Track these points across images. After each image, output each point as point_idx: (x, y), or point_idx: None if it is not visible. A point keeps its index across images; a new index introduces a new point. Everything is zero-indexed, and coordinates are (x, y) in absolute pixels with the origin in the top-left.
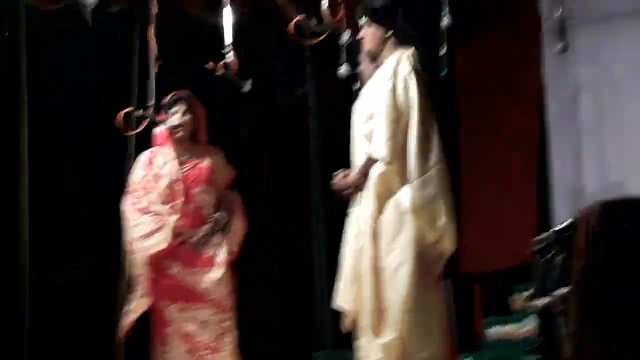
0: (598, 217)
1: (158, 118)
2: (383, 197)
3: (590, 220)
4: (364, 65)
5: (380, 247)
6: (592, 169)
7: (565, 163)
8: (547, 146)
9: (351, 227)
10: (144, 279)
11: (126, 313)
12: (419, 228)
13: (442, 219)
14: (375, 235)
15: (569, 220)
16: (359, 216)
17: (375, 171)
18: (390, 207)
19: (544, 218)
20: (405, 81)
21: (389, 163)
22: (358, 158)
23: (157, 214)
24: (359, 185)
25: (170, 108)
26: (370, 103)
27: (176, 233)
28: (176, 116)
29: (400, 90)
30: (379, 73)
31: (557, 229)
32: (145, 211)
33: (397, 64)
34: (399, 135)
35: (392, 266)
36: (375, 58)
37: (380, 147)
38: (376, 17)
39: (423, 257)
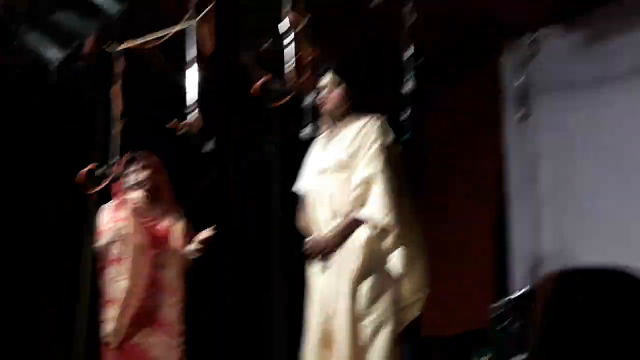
0: (555, 286)
1: (114, 177)
2: (368, 260)
3: (548, 289)
4: (325, 125)
5: (361, 308)
6: (551, 236)
7: (524, 229)
8: (507, 212)
9: (320, 287)
10: None
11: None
12: (402, 292)
13: (422, 285)
14: (356, 297)
15: (527, 288)
16: (332, 276)
17: (365, 234)
18: (377, 270)
19: (503, 284)
20: (380, 152)
21: (388, 231)
22: (321, 214)
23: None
24: (335, 245)
25: (126, 168)
26: (337, 163)
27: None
28: (132, 176)
29: (377, 159)
30: (346, 135)
31: (514, 296)
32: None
33: (370, 132)
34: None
35: (371, 328)
36: (339, 119)
37: (383, 214)
38: (344, 79)
39: (400, 320)
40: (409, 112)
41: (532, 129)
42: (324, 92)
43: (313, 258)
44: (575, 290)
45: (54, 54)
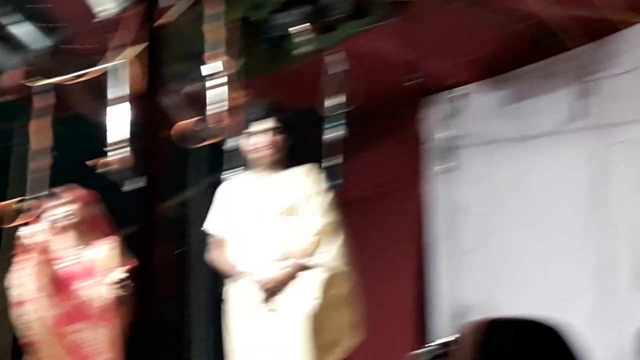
0: (481, 335)
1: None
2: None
3: (474, 337)
4: (255, 168)
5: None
6: (472, 288)
7: (446, 280)
8: (429, 263)
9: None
10: None
11: None
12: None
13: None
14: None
15: (449, 337)
16: (281, 314)
17: (319, 277)
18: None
19: (423, 334)
20: (331, 202)
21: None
22: (261, 254)
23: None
24: (284, 285)
25: (47, 204)
26: (282, 208)
27: None
28: (51, 212)
29: (321, 207)
30: (284, 181)
31: (434, 344)
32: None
33: (315, 181)
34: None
35: None
36: (273, 165)
37: (341, 262)
38: (283, 127)
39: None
40: (337, 159)
41: (455, 182)
42: (263, 137)
43: (266, 292)
44: (502, 339)
45: None
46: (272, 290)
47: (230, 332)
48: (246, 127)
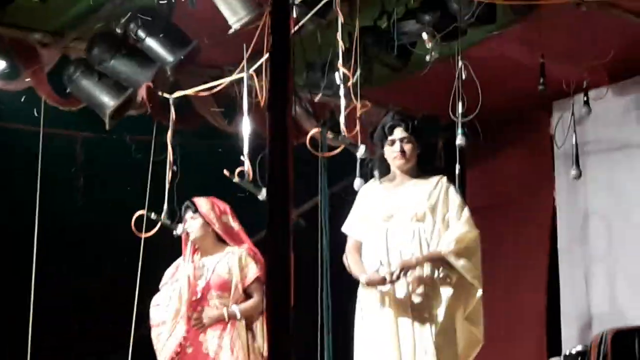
0: (609, 344)
1: (169, 224)
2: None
3: (601, 347)
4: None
5: None
6: (601, 296)
7: (575, 288)
8: (558, 270)
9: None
10: None
11: None
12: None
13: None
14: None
15: (580, 347)
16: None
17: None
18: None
19: (553, 343)
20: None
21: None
22: (395, 257)
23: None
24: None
25: (183, 216)
26: (417, 214)
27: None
28: (186, 223)
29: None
30: (419, 188)
31: (566, 353)
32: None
33: (451, 192)
34: None
35: None
36: (408, 172)
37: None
38: (417, 135)
39: None
40: (463, 166)
41: (583, 189)
42: (401, 146)
43: (400, 273)
44: (629, 349)
45: (107, 100)
46: (409, 268)
47: (360, 337)
48: (383, 134)
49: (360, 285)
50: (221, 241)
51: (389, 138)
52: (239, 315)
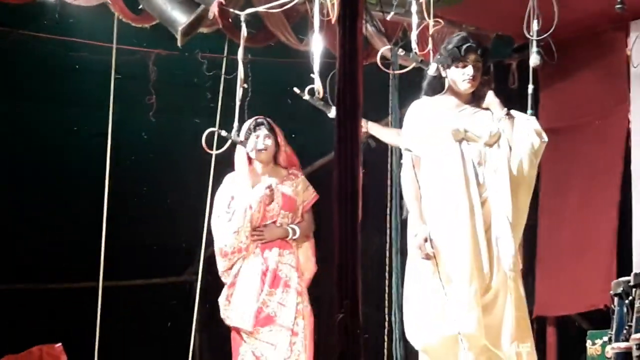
0: None
1: (240, 141)
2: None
3: None
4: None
5: None
6: None
7: None
8: (630, 191)
9: None
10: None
11: None
12: None
13: None
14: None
15: None
16: None
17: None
18: None
19: (625, 265)
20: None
21: None
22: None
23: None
24: None
25: (252, 132)
26: (486, 137)
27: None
28: (259, 140)
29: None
30: (487, 114)
31: (637, 272)
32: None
33: (525, 134)
34: None
35: None
36: (473, 99)
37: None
38: (485, 59)
39: None
40: (531, 87)
41: None
42: (474, 70)
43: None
44: None
45: (179, 17)
46: None
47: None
48: (456, 55)
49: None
50: (276, 163)
51: (462, 60)
52: (298, 234)
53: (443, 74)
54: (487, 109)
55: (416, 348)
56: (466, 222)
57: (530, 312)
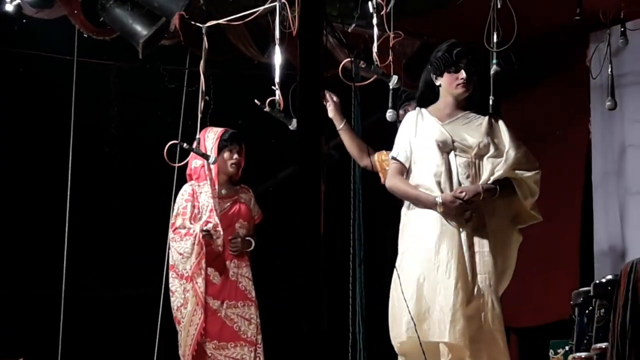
0: (639, 273)
1: (202, 154)
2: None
3: (631, 276)
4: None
5: None
6: (635, 228)
7: (609, 221)
8: (592, 203)
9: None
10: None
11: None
12: None
13: None
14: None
15: (610, 276)
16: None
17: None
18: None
19: (587, 276)
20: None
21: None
22: (454, 181)
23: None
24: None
25: (226, 145)
26: (476, 145)
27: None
28: (234, 155)
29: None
30: (476, 122)
31: (597, 282)
32: (185, 234)
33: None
34: None
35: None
36: (462, 103)
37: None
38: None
39: None
40: (492, 99)
41: (619, 121)
42: (468, 75)
43: (467, 200)
44: None
45: (140, 29)
46: (475, 198)
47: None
48: (448, 61)
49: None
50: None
51: (454, 65)
52: (252, 247)
53: (436, 83)
54: (480, 116)
55: (397, 352)
56: (454, 234)
57: None
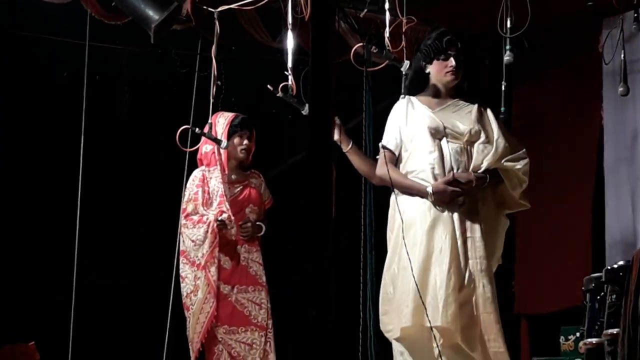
0: None
1: (215, 138)
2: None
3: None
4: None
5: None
6: None
7: (621, 207)
8: (604, 189)
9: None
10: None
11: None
12: None
13: None
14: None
15: (622, 262)
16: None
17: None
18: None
19: (599, 263)
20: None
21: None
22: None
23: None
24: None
25: (236, 130)
26: (466, 133)
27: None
28: (244, 140)
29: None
30: (465, 110)
31: (608, 268)
32: (198, 221)
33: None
34: None
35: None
36: (451, 91)
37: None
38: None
39: None
40: (504, 84)
41: (632, 107)
42: (457, 62)
43: (459, 186)
44: None
45: (152, 14)
46: (467, 186)
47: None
48: (438, 48)
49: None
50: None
51: (444, 53)
52: (263, 232)
53: (426, 71)
54: (469, 104)
55: (390, 338)
56: (447, 220)
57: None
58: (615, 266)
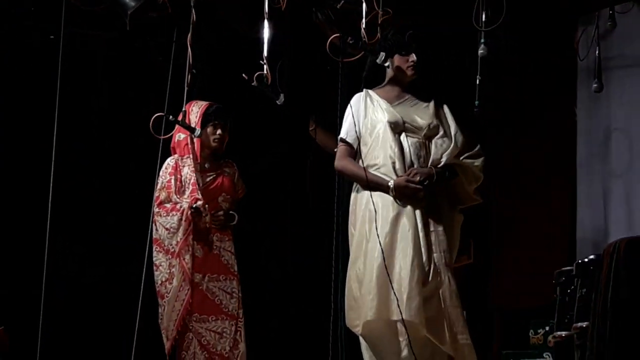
0: (622, 253)
1: (189, 126)
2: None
3: (614, 256)
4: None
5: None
6: (619, 212)
7: (592, 203)
8: (577, 183)
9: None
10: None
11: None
12: None
13: None
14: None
15: (593, 256)
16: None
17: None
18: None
19: (575, 258)
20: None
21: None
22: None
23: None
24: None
25: (210, 119)
26: (425, 127)
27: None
28: (217, 130)
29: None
30: (424, 105)
31: (579, 262)
32: (172, 209)
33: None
34: None
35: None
36: (408, 87)
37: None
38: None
39: None
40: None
41: (605, 104)
42: (416, 59)
43: (420, 182)
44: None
45: (128, 1)
46: (429, 180)
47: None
48: (401, 43)
49: (358, 192)
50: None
51: (406, 47)
52: (235, 221)
53: (385, 64)
54: (426, 99)
55: (356, 333)
56: (409, 213)
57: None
58: (586, 260)
